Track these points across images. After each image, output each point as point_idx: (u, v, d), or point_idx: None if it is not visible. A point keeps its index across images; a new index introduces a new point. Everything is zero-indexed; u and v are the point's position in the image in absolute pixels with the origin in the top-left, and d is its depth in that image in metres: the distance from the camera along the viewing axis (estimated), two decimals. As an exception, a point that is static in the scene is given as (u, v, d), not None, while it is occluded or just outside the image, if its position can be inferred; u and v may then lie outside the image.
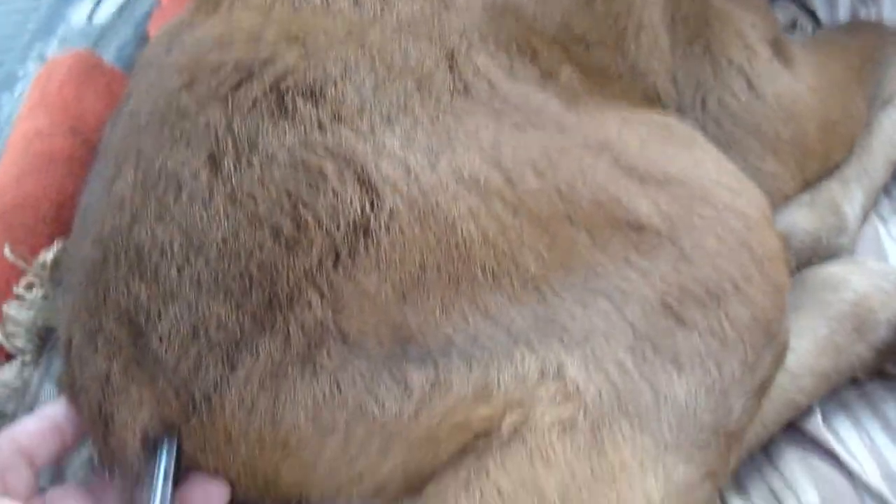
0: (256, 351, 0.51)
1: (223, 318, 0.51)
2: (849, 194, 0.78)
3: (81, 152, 0.75)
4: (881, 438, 0.67)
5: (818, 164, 0.76)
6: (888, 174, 0.81)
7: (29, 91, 0.80)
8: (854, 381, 0.70)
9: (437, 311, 0.51)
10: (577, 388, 0.50)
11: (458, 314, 0.51)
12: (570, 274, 0.52)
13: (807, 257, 0.73)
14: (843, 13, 0.92)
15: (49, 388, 0.64)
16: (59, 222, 0.71)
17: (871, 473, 0.64)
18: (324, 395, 0.51)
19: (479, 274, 0.52)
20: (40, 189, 0.72)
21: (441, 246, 0.51)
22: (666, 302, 0.52)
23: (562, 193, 0.54)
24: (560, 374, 0.50)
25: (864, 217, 0.79)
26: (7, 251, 0.67)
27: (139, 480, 0.54)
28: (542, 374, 0.51)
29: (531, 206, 0.53)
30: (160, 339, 0.52)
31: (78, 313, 0.55)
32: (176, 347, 0.51)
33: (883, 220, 0.81)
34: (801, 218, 0.74)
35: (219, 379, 0.51)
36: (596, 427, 0.49)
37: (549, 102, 0.59)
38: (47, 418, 0.55)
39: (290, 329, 0.51)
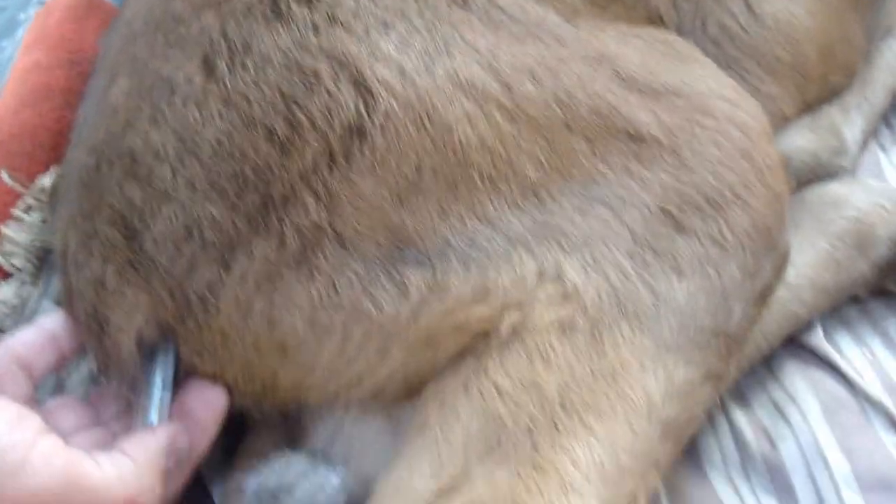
0: (251, 252, 0.51)
1: (217, 218, 0.51)
2: (849, 119, 0.78)
3: (79, 84, 0.75)
4: (882, 352, 0.67)
5: (817, 88, 0.76)
6: (888, 102, 0.81)
7: (28, 28, 0.80)
8: (855, 300, 0.70)
9: (435, 215, 0.51)
10: (576, 289, 0.50)
11: (455, 218, 0.51)
12: (568, 181, 0.52)
13: (806, 177, 0.73)
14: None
15: (47, 306, 0.65)
16: (57, 151, 0.71)
17: (871, 384, 0.64)
18: (320, 296, 0.51)
19: (477, 178, 0.52)
20: (38, 119, 0.72)
21: (437, 149, 0.51)
22: (666, 209, 0.52)
23: (560, 101, 0.53)
24: (559, 276, 0.50)
25: (865, 143, 0.79)
26: (5, 175, 0.67)
27: (135, 385, 0.54)
28: (541, 276, 0.51)
29: (529, 112, 0.53)
30: (154, 241, 0.52)
31: (73, 220, 0.55)
32: (170, 248, 0.51)
33: (883, 148, 0.81)
34: (801, 138, 0.74)
35: (213, 280, 0.51)
36: (595, 328, 0.49)
37: (548, 16, 0.59)
38: (45, 329, 0.55)
39: (286, 231, 0.51)
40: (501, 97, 0.53)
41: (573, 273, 0.50)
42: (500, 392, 0.49)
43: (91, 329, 0.54)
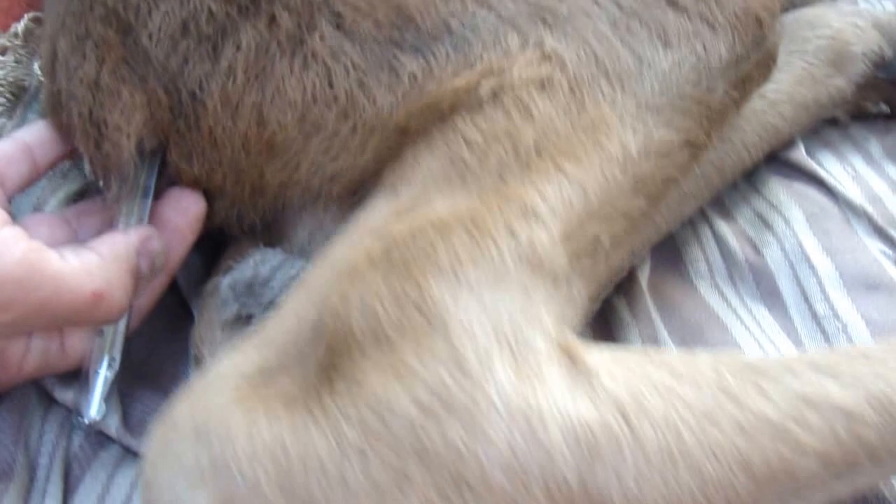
0: (239, 38, 0.50)
1: (213, 10, 0.50)
2: None
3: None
4: (863, 167, 0.67)
5: None
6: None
7: None
8: (837, 123, 0.70)
9: None
10: (556, 51, 0.49)
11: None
12: None
13: (784, 7, 0.73)
14: None
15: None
16: (35, 5, 0.71)
17: (854, 193, 0.64)
18: (314, 90, 0.50)
19: None
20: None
21: None
22: None
23: None
24: (539, 44, 0.49)
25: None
26: (-23, 20, 0.67)
27: (132, 188, 0.53)
28: (522, 46, 0.50)
29: None
30: (150, 37, 0.51)
31: (62, 24, 0.54)
32: (166, 44, 0.50)
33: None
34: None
35: (204, 75, 0.50)
36: (575, 84, 0.48)
37: None
38: (17, 141, 0.54)
39: (276, 9, 0.49)
40: None
41: (553, 41, 0.49)
42: (468, 143, 0.47)
43: (88, 133, 0.52)
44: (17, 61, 0.66)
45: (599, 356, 0.41)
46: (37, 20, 0.69)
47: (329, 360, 0.41)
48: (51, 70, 0.55)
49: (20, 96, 0.65)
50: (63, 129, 0.54)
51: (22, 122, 0.64)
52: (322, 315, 0.42)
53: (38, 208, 0.60)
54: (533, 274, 0.43)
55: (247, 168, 0.53)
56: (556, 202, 0.45)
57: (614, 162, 0.47)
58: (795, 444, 0.39)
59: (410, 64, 0.49)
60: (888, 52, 0.68)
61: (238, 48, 0.50)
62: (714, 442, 0.38)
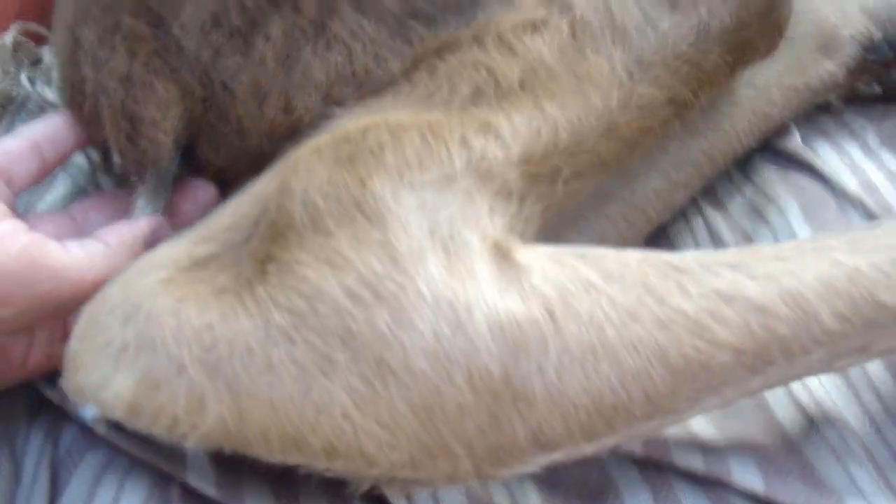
0: (269, 29, 0.50)
1: (245, 3, 0.50)
2: None
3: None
4: (859, 156, 0.66)
5: None
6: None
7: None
8: (831, 110, 0.69)
9: None
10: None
11: None
12: None
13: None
14: None
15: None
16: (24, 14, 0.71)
17: (849, 182, 0.63)
18: (336, 69, 0.50)
19: None
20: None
21: None
22: None
23: None
24: None
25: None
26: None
27: (164, 180, 0.53)
28: None
29: None
30: (182, 28, 0.50)
31: (87, 12, 0.53)
32: (197, 36, 0.50)
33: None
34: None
35: (236, 66, 0.50)
36: (579, 29, 0.48)
37: None
38: (26, 138, 0.54)
39: (304, 5, 0.49)
40: None
41: None
42: (441, 73, 0.47)
43: (119, 127, 0.52)
44: (4, 72, 0.66)
45: (533, 255, 0.42)
46: (26, 32, 0.69)
47: (265, 252, 0.42)
48: (71, 60, 0.54)
49: (6, 106, 0.65)
50: (85, 120, 0.54)
51: (8, 131, 0.63)
52: (263, 208, 0.43)
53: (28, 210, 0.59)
54: (481, 183, 0.43)
55: (270, 154, 0.52)
56: (522, 128, 0.45)
57: (592, 110, 0.46)
58: (711, 337, 0.40)
59: (422, 30, 0.49)
60: (877, 35, 0.67)
61: (267, 39, 0.50)
62: (635, 337, 0.40)
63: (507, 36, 0.47)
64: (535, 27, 0.47)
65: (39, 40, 0.71)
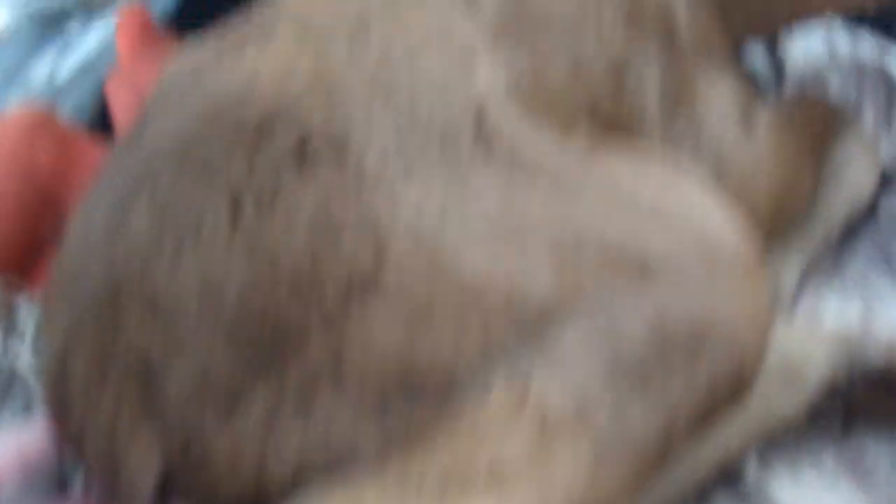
0: (253, 400, 0.50)
1: (232, 369, 0.51)
2: (788, 261, 0.80)
3: (33, 201, 0.77)
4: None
5: (762, 234, 0.78)
6: (826, 246, 0.84)
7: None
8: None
9: (446, 353, 0.50)
10: (540, 392, 0.50)
11: (463, 356, 0.51)
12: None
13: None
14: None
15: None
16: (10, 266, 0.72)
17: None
18: (311, 444, 0.50)
19: (487, 320, 0.51)
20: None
21: (449, 291, 0.51)
22: (655, 341, 0.52)
23: (570, 248, 0.53)
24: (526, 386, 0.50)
25: (800, 285, 0.81)
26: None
27: None
28: (509, 385, 0.50)
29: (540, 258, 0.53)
30: (173, 383, 0.51)
31: (83, 343, 0.54)
32: (184, 396, 0.51)
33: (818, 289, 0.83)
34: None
35: (215, 427, 0.51)
36: (546, 425, 0.49)
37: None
38: (17, 450, 0.56)
39: (288, 378, 0.50)
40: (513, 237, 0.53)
41: (540, 384, 0.50)
42: (421, 452, 0.49)
43: (104, 467, 0.54)
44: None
45: None
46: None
47: None
48: (59, 380, 0.55)
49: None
50: (67, 439, 0.55)
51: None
52: None
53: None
54: None
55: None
56: None
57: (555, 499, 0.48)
58: None
59: (404, 414, 0.50)
60: (842, 374, 0.68)
61: (250, 409, 0.50)
62: None
63: (479, 426, 0.48)
64: (506, 421, 0.49)
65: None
